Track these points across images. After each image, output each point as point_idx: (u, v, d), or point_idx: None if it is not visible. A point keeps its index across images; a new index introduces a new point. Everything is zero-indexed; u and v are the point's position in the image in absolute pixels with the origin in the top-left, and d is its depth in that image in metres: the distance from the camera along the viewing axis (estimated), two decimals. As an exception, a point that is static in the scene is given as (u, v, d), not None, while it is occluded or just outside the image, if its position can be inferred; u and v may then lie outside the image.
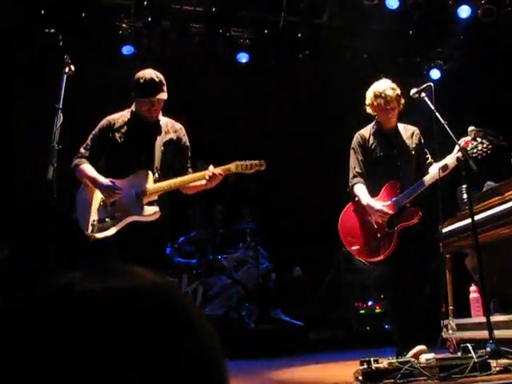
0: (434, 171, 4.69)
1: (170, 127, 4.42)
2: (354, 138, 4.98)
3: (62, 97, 3.56)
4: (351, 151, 4.97)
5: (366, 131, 4.95)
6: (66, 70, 3.67)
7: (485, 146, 4.51)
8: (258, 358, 6.28)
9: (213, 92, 8.34)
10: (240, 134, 8.41)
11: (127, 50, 7.82)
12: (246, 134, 8.47)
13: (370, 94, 4.82)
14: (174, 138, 4.39)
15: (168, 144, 4.34)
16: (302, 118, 8.76)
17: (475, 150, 4.52)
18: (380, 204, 4.70)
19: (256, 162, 4.35)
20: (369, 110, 4.89)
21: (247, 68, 8.35)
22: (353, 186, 4.87)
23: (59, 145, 3.45)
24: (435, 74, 8.55)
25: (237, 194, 7.70)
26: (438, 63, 8.59)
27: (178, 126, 4.49)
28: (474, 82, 8.22)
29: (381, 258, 4.77)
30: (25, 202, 6.79)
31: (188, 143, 4.48)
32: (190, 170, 4.41)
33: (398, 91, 4.77)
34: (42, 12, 7.34)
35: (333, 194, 5.88)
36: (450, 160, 4.60)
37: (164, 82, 4.18)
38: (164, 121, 4.39)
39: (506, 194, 4.83)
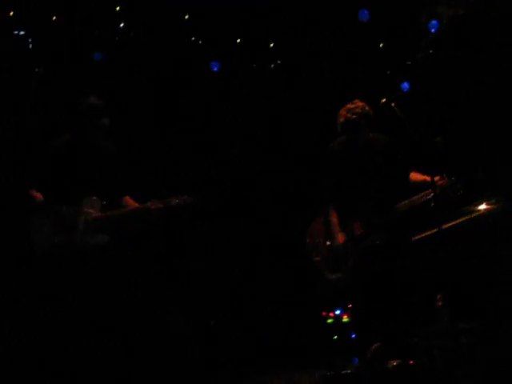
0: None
1: (111, 151, 4.55)
2: (326, 152, 5.07)
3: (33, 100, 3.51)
4: (322, 165, 5.05)
5: (336, 144, 5.06)
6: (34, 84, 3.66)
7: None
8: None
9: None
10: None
11: (97, 56, 7.72)
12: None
13: (340, 117, 4.98)
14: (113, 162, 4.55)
15: (106, 166, 4.49)
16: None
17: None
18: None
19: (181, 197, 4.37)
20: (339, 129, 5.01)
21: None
22: (323, 203, 4.97)
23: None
24: (405, 87, 8.63)
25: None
26: (408, 76, 8.68)
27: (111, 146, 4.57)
28: (440, 96, 8.31)
29: (338, 274, 4.88)
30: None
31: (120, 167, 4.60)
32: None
33: (364, 109, 4.89)
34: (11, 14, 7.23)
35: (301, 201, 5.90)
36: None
37: (105, 108, 4.21)
38: (105, 144, 4.50)
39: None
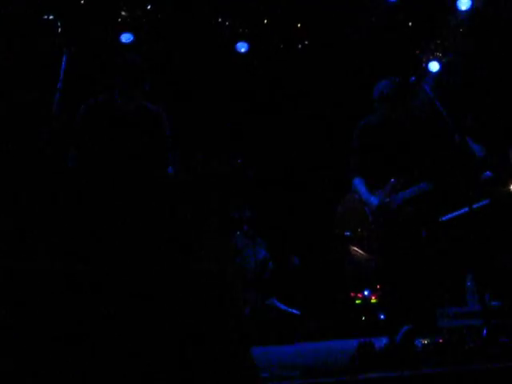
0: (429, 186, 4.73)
1: (152, 111, 4.31)
2: (357, 128, 4.99)
3: (62, 77, 3.55)
4: (353, 141, 4.98)
5: (369, 122, 4.97)
6: (67, 51, 3.66)
7: None
8: (253, 346, 6.29)
9: (211, 81, 8.35)
10: (238, 124, 8.40)
11: (126, 37, 7.78)
12: (246, 123, 8.48)
13: (376, 93, 4.88)
14: (155, 123, 4.29)
15: (149, 130, 4.23)
16: (302, 107, 8.75)
17: None
18: (377, 199, 4.72)
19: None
20: (374, 103, 4.93)
21: (246, 58, 8.34)
22: (352, 178, 4.90)
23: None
24: (434, 66, 8.54)
25: (235, 182, 7.70)
26: (437, 55, 8.59)
27: (161, 111, 4.37)
28: (473, 76, 8.23)
29: (368, 248, 4.83)
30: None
31: (169, 132, 4.35)
32: (169, 158, 4.32)
33: (406, 90, 4.83)
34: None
35: (332, 182, 5.90)
36: None
37: (147, 70, 4.10)
38: (145, 105, 4.28)
39: None
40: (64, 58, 3.60)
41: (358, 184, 4.84)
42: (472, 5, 7.73)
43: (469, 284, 5.37)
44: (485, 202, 5.09)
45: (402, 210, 4.71)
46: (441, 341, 4.28)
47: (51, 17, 7.46)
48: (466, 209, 5.13)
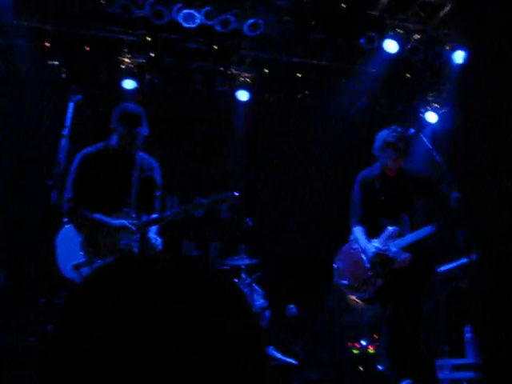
0: (430, 230, 4.73)
1: (146, 164, 4.43)
2: (358, 178, 5.05)
3: (69, 124, 3.60)
4: (353, 192, 5.03)
5: (370, 173, 5.03)
6: (74, 98, 3.73)
7: None
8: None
9: (212, 128, 8.48)
10: (238, 171, 8.49)
11: (129, 84, 7.91)
12: (244, 170, 8.56)
13: (380, 142, 4.91)
14: (148, 174, 4.39)
15: (143, 181, 4.34)
16: (299, 156, 8.87)
17: None
18: (375, 247, 4.76)
19: (228, 194, 4.29)
20: (375, 152, 4.98)
21: (247, 106, 8.48)
22: (352, 226, 4.95)
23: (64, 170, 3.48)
24: (431, 117, 8.66)
25: (232, 230, 7.73)
26: (435, 107, 8.73)
27: (154, 162, 4.49)
28: (469, 125, 8.34)
29: (365, 296, 4.83)
30: (27, 226, 6.82)
31: (160, 181, 4.47)
32: (156, 206, 4.41)
33: (408, 142, 4.88)
34: (47, 44, 7.48)
35: (330, 232, 5.92)
36: None
37: (144, 116, 4.20)
38: (140, 156, 4.39)
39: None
40: (70, 105, 3.66)
41: (359, 232, 4.89)
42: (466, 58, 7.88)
43: (468, 336, 5.33)
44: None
45: (400, 257, 4.73)
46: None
47: (56, 62, 7.62)
48: (465, 260, 5.15)
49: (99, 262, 3.99)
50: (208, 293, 0.75)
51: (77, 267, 3.98)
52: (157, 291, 0.71)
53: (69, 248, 4.07)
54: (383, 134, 4.92)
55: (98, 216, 4.09)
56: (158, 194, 4.40)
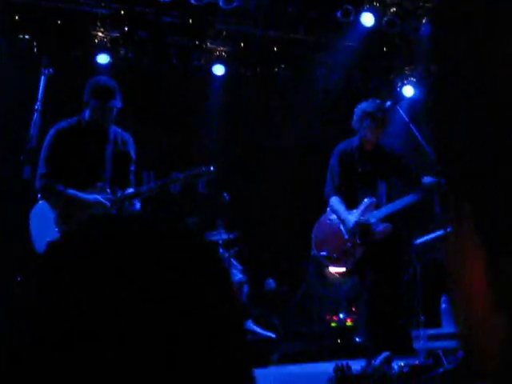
0: (409, 200, 4.78)
1: (120, 138, 4.38)
2: (336, 151, 5.07)
3: (41, 98, 3.53)
4: (331, 163, 5.05)
5: (348, 145, 5.05)
6: (46, 71, 3.65)
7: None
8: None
9: (188, 103, 8.41)
10: (214, 146, 8.45)
11: (103, 58, 7.79)
12: (221, 145, 8.52)
13: (359, 113, 4.93)
14: (122, 148, 4.34)
15: (117, 154, 4.30)
16: (276, 130, 8.85)
17: None
18: (354, 218, 4.79)
19: (204, 169, 4.27)
20: (354, 124, 5.00)
21: (223, 80, 8.41)
22: (329, 197, 4.97)
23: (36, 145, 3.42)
24: (408, 91, 8.67)
25: (210, 205, 7.71)
26: (411, 80, 8.74)
27: (127, 136, 4.44)
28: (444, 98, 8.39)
29: (344, 267, 4.87)
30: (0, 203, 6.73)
31: (134, 156, 4.42)
32: (131, 181, 4.37)
33: (387, 113, 4.90)
34: (17, 18, 7.32)
35: (308, 204, 5.94)
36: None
37: (117, 90, 4.15)
38: (113, 130, 4.34)
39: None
40: (42, 79, 3.59)
41: (336, 203, 4.90)
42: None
43: (444, 306, 5.41)
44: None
45: (379, 227, 4.77)
46: (417, 363, 4.30)
47: (27, 37, 7.46)
48: (441, 232, 5.20)
49: None
50: (189, 262, 0.72)
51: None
52: (133, 256, 0.68)
53: (43, 225, 4.02)
54: (362, 106, 4.95)
55: (71, 191, 4.04)
56: (132, 168, 4.35)
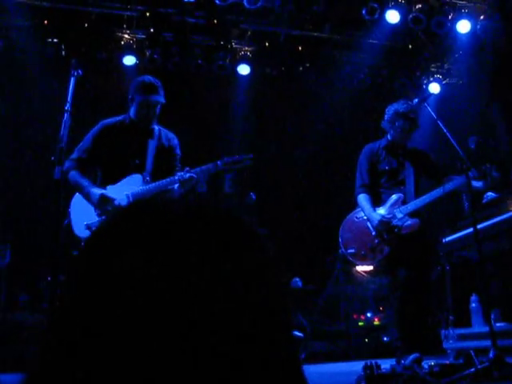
0: (437, 193, 4.73)
1: (164, 135, 4.43)
2: (364, 150, 5.07)
3: (70, 99, 3.58)
4: (359, 162, 5.04)
5: (376, 145, 5.05)
6: (75, 73, 3.69)
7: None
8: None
9: (213, 103, 8.44)
10: (239, 145, 8.46)
11: (129, 60, 7.86)
12: (247, 144, 8.53)
13: (391, 113, 4.91)
14: (167, 145, 4.38)
15: (161, 150, 4.32)
16: (301, 128, 8.84)
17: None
18: (380, 215, 4.76)
19: (241, 156, 4.26)
20: (385, 124, 4.97)
21: (248, 80, 8.43)
22: (358, 194, 4.95)
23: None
24: (434, 88, 8.60)
25: (236, 205, 7.73)
26: (438, 77, 8.66)
27: (172, 135, 4.48)
28: (473, 97, 8.30)
29: (373, 263, 4.84)
30: (31, 203, 6.85)
31: (179, 152, 4.45)
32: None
33: (417, 113, 4.87)
34: (45, 22, 7.43)
35: (334, 204, 5.93)
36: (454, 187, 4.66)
37: (162, 87, 4.21)
38: (157, 128, 4.39)
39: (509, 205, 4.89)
40: (71, 81, 3.63)
41: (363, 200, 4.89)
42: (472, 27, 7.78)
43: (473, 305, 5.35)
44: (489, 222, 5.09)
45: (407, 222, 4.73)
46: (447, 362, 4.26)
47: (55, 40, 7.57)
48: (471, 230, 5.14)
49: None
50: (241, 256, 0.71)
51: (90, 226, 4.00)
52: (179, 246, 0.68)
53: (84, 208, 4.08)
54: (394, 106, 4.92)
55: (80, 181, 4.05)
56: (178, 164, 4.35)
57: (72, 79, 3.66)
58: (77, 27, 7.52)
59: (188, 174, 4.03)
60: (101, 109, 4.42)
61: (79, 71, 3.75)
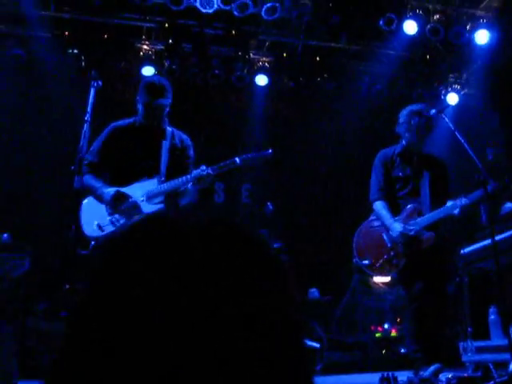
0: (455, 205, 4.64)
1: (177, 137, 4.41)
2: (378, 156, 5.00)
3: (90, 110, 3.62)
4: (373, 168, 4.98)
5: (391, 150, 4.99)
6: (95, 84, 3.74)
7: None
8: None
9: (231, 113, 8.48)
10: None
11: (148, 70, 7.93)
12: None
13: (406, 113, 4.87)
14: (180, 145, 4.37)
15: (174, 150, 4.31)
16: (319, 139, 8.84)
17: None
18: (401, 225, 4.66)
19: (262, 152, 4.19)
20: (399, 129, 4.92)
21: (266, 90, 8.46)
22: (374, 201, 4.87)
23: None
24: (452, 98, 8.57)
25: (254, 215, 7.75)
26: (456, 88, 8.63)
27: (185, 136, 4.47)
28: (491, 107, 8.26)
29: (388, 276, 4.77)
30: (51, 211, 6.91)
31: (193, 154, 4.43)
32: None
33: (431, 115, 4.82)
34: (66, 33, 7.53)
35: (354, 213, 5.90)
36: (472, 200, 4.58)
37: (167, 88, 4.18)
38: (171, 130, 4.38)
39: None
40: (91, 91, 3.68)
41: (381, 208, 4.77)
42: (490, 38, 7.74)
43: (492, 317, 5.29)
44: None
45: (423, 236, 4.65)
46: (465, 375, 4.22)
47: (76, 51, 7.67)
48: (489, 241, 5.09)
49: (123, 221, 3.99)
50: (255, 272, 0.72)
51: (101, 226, 4.01)
52: (196, 263, 0.69)
53: (96, 208, 4.09)
54: (408, 107, 4.88)
55: (92, 184, 4.07)
56: (191, 166, 4.31)
57: (92, 90, 3.71)
58: (97, 38, 7.61)
59: (206, 171, 4.02)
60: (120, 119, 4.44)
61: (99, 82, 3.80)
